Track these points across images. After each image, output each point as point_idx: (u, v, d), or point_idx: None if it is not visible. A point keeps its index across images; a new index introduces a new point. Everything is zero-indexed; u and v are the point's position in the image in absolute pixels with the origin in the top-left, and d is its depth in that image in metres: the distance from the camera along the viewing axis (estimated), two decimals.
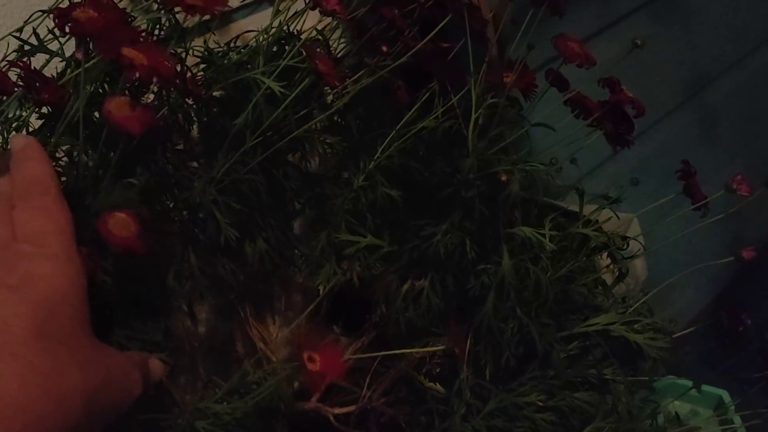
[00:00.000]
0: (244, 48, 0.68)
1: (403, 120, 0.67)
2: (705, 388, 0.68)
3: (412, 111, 0.67)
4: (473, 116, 0.59)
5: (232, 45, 0.65)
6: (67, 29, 0.45)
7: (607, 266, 0.63)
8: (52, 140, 0.51)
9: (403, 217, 0.68)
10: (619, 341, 0.57)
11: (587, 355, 0.58)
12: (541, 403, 0.59)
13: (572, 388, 0.58)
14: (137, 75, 0.42)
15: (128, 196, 0.47)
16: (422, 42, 0.60)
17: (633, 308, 0.58)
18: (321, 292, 0.67)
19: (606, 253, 0.61)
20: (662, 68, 1.52)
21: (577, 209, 0.64)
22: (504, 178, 0.53)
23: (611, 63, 0.67)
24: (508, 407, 0.60)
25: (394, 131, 0.67)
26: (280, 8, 0.67)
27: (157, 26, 0.61)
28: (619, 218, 0.65)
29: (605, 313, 0.58)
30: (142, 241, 0.43)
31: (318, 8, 0.56)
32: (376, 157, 0.67)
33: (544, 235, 0.54)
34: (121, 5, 0.52)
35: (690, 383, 0.74)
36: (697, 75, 1.65)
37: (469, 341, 0.58)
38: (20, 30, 0.54)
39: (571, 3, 0.77)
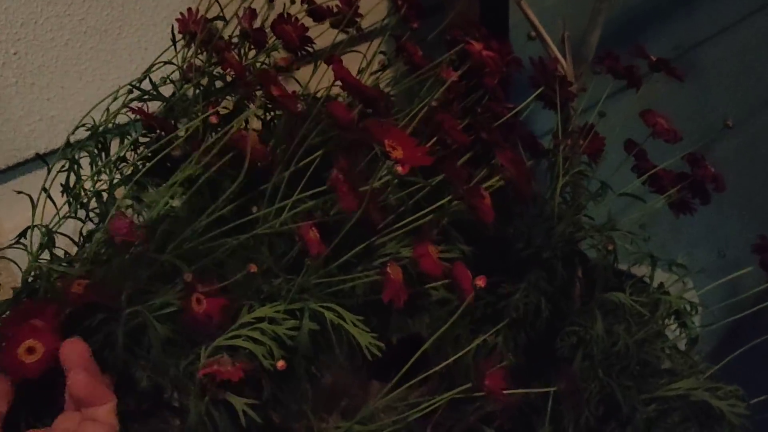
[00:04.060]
0: None
1: (476, 179, 0.70)
2: None
3: (484, 170, 0.69)
4: (560, 181, 0.62)
5: None
6: None
7: (674, 330, 0.65)
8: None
9: (474, 272, 0.70)
10: (697, 406, 0.59)
11: (666, 418, 0.60)
12: None
13: None
14: None
15: None
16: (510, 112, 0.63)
17: (707, 374, 0.61)
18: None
19: (674, 318, 0.64)
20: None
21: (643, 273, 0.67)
22: (611, 247, 0.56)
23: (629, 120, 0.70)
24: None
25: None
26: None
27: None
28: (684, 283, 0.68)
29: (680, 378, 0.60)
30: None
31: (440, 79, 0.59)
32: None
33: (634, 302, 0.57)
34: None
35: None
36: (704, 131, 1.71)
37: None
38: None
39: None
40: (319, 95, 0.77)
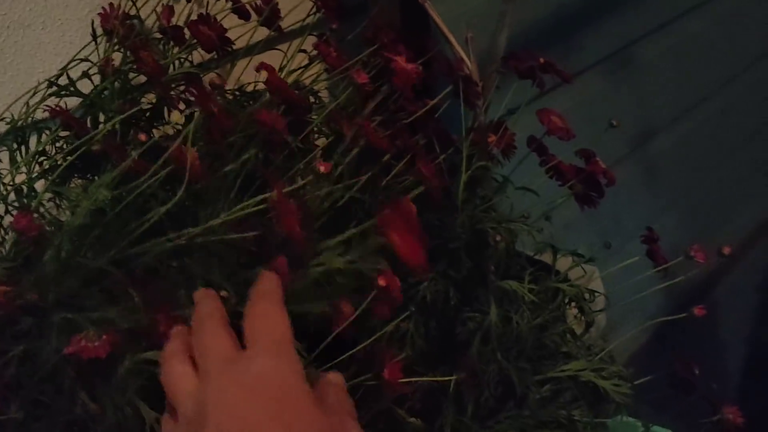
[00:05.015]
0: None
1: (392, 173, 0.73)
2: (655, 428, 0.75)
3: (402, 163, 0.72)
4: (463, 176, 0.65)
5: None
6: None
7: (575, 316, 0.69)
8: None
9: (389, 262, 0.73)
10: (587, 386, 0.64)
11: (558, 398, 0.64)
12: None
13: (544, 427, 0.64)
14: None
15: None
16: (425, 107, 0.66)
17: (599, 356, 0.65)
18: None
19: (574, 304, 0.68)
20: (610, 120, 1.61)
21: (550, 261, 0.71)
22: (498, 238, 0.60)
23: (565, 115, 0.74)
24: None
25: (383, 182, 0.73)
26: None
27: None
28: (585, 272, 0.72)
29: (575, 360, 0.64)
30: None
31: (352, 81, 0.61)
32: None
33: (526, 289, 0.61)
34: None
35: (640, 423, 0.80)
36: (642, 127, 1.76)
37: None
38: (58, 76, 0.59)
39: None
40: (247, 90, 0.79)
